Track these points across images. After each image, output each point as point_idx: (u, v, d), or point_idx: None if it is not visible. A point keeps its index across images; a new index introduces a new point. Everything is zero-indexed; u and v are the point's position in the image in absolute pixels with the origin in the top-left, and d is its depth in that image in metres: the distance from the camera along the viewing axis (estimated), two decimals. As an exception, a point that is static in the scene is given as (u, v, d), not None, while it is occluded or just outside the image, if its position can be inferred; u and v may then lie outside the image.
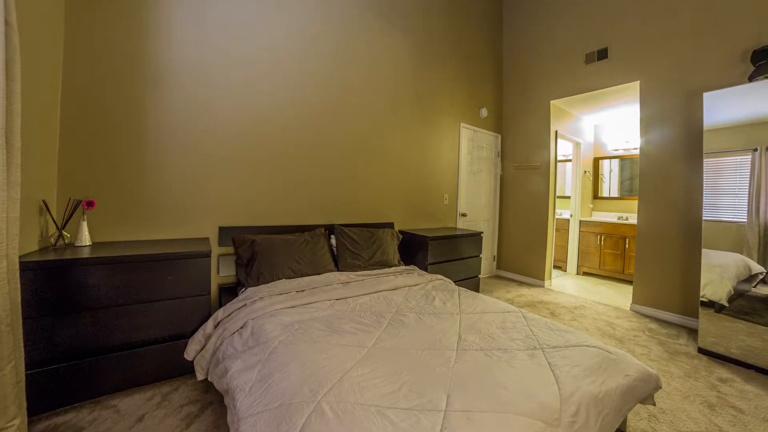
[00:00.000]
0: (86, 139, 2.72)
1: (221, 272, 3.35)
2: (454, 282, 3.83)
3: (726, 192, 3.30)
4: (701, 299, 3.37)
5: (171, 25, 3.04)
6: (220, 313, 2.57)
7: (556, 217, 6.80)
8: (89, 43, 2.71)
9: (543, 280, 5.75)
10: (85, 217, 2.62)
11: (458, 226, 5.69)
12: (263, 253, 3.13)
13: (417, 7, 5.02)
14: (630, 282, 5.61)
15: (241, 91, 3.43)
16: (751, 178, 3.14)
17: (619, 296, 5.28)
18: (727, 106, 3.32)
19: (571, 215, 6.96)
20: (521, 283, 5.92)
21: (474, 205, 6.07)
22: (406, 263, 4.41)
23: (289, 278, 3.14)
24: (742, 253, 3.20)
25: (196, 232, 3.23)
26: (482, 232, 5.02)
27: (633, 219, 6.34)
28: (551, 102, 5.67)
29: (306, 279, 3.17)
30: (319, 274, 3.34)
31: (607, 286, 5.90)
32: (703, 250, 3.40)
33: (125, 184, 2.89)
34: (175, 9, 3.06)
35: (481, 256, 4.95)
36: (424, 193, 5.22)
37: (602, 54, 4.94)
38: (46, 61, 2.43)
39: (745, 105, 3.20)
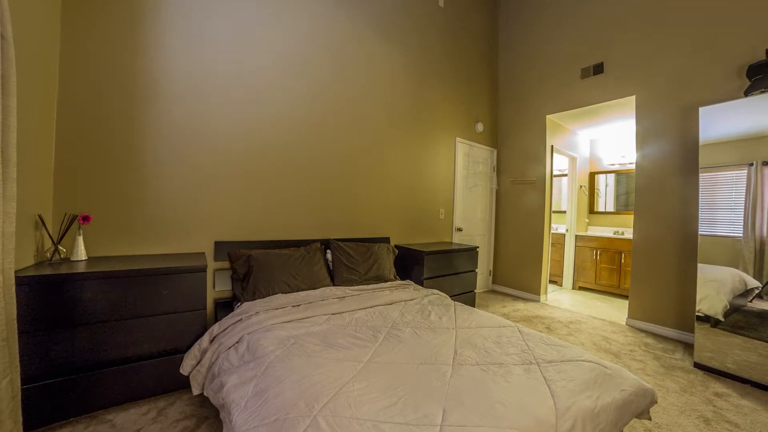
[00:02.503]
0: (82, 153, 2.73)
1: (217, 287, 3.35)
2: (450, 297, 3.83)
3: (722, 206, 3.33)
4: (697, 314, 3.38)
5: (167, 39, 3.08)
6: (215, 328, 2.56)
7: (552, 231, 6.83)
8: (85, 57, 2.74)
9: (539, 294, 5.75)
10: (81, 232, 2.62)
11: (454, 241, 5.70)
12: (259, 268, 3.13)
13: (414, 23, 5.11)
14: (626, 297, 5.62)
15: (238, 106, 3.46)
16: (746, 192, 3.17)
17: (615, 311, 5.28)
18: (722, 121, 3.36)
19: (567, 230, 6.98)
20: (517, 298, 5.92)
21: (470, 219, 6.09)
22: (402, 278, 4.41)
23: (285, 293, 3.14)
24: (738, 268, 3.21)
25: (191, 246, 3.23)
26: (478, 247, 5.04)
27: (629, 234, 6.37)
28: (547, 117, 5.73)
29: (302, 294, 3.18)
30: (315, 288, 3.34)
31: (602, 301, 5.90)
32: (699, 265, 3.42)
33: (121, 199, 2.90)
34: (172, 24, 3.10)
35: (476, 270, 4.95)
36: (420, 208, 5.24)
37: (598, 69, 5.00)
38: (42, 75, 2.46)
39: (741, 119, 3.24)
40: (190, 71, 3.19)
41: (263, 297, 3.03)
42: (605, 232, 6.96)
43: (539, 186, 5.77)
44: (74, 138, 2.70)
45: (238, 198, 3.47)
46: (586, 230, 7.32)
